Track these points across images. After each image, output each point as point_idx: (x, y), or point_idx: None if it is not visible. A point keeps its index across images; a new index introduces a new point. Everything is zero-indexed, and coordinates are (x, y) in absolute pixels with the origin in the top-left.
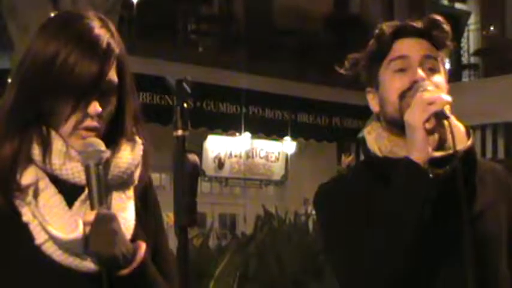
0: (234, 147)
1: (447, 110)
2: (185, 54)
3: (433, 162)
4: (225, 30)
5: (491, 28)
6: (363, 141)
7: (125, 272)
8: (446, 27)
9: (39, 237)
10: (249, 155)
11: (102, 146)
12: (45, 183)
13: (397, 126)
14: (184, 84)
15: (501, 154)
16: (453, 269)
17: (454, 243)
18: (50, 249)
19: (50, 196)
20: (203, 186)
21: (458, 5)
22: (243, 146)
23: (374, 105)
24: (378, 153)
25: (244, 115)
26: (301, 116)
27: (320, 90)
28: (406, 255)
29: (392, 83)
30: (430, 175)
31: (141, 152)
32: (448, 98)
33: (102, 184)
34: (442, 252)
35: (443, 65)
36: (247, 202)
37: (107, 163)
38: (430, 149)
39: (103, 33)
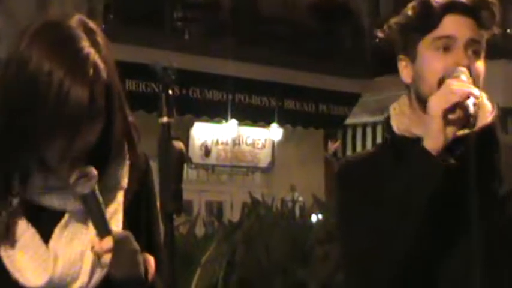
0: (221, 135)
1: (471, 105)
2: (171, 42)
3: (454, 141)
4: (212, 18)
5: None
6: (388, 117)
7: None
8: (496, 9)
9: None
10: (236, 142)
11: (92, 171)
12: (18, 217)
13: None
14: (170, 71)
15: None
16: (466, 254)
17: (468, 226)
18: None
19: (22, 231)
20: (190, 173)
21: None
22: (229, 133)
23: (406, 75)
24: (397, 131)
25: (230, 102)
26: (288, 103)
27: (307, 77)
28: (406, 244)
29: (433, 62)
30: (441, 164)
31: (127, 167)
32: (476, 92)
33: (103, 209)
34: (456, 236)
35: (486, 45)
36: (234, 189)
37: (98, 184)
38: (447, 138)
39: (92, 54)
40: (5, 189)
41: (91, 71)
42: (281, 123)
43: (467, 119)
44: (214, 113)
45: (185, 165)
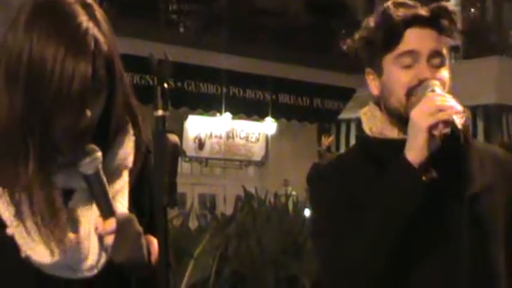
0: (215, 128)
1: (457, 120)
2: (166, 35)
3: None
4: (207, 11)
5: (472, 10)
6: (359, 121)
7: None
8: (455, 16)
9: (25, 251)
10: (230, 136)
11: (95, 151)
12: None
13: (397, 118)
14: (165, 64)
15: (480, 137)
16: (444, 255)
17: (446, 228)
18: (37, 264)
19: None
20: (183, 166)
21: None
22: (223, 126)
23: (374, 88)
24: (369, 134)
25: (225, 95)
26: (283, 97)
27: (301, 71)
28: (387, 255)
29: (399, 78)
30: (423, 178)
31: (132, 143)
32: (459, 108)
33: (107, 189)
34: (434, 237)
35: (449, 52)
36: (227, 183)
37: (102, 163)
38: (429, 152)
39: (91, 28)
40: (26, 168)
41: (92, 44)
42: (275, 117)
43: (457, 134)
44: (209, 106)
45: (179, 158)
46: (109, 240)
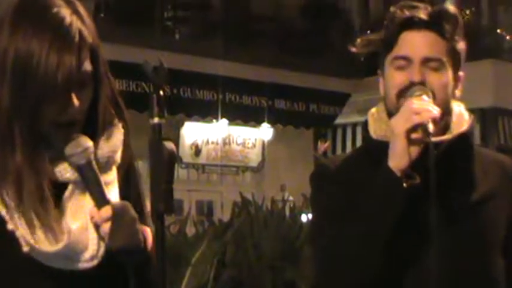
0: (211, 134)
1: (431, 124)
2: (162, 42)
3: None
4: (202, 18)
5: (467, 13)
6: (365, 123)
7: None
8: (457, 20)
9: (27, 245)
10: (226, 142)
11: (87, 141)
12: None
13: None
14: (161, 71)
15: (477, 140)
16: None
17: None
18: (40, 256)
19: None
20: (180, 173)
21: None
22: (220, 132)
23: (381, 88)
24: (373, 136)
25: (221, 102)
26: (279, 102)
27: (297, 76)
28: (374, 258)
29: (393, 78)
30: (404, 184)
31: (121, 136)
32: (435, 112)
33: (100, 179)
34: (423, 242)
35: (454, 55)
36: (224, 189)
37: (94, 155)
38: (410, 158)
39: (74, 20)
40: (13, 158)
41: (76, 37)
42: (271, 123)
43: (427, 137)
44: (205, 112)
45: (176, 165)
46: (106, 227)
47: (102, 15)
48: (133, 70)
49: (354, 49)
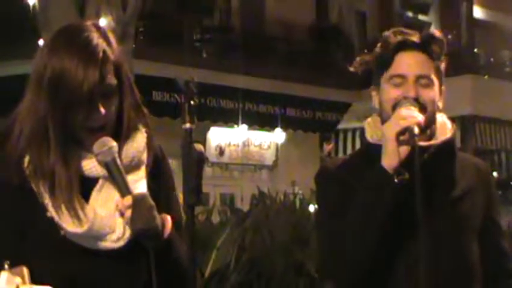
0: (233, 137)
1: (416, 128)
2: (191, 59)
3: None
4: (224, 39)
5: (449, 36)
6: (362, 129)
7: (162, 241)
8: (442, 42)
9: (62, 229)
10: (246, 144)
11: (111, 142)
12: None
13: None
14: (191, 85)
15: (457, 142)
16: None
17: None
18: (73, 237)
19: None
20: (207, 170)
21: (421, 17)
22: (240, 136)
23: (376, 102)
24: (370, 140)
25: (241, 110)
26: (290, 111)
27: (305, 88)
28: (368, 253)
29: (389, 94)
30: (395, 180)
31: (144, 139)
32: (419, 118)
33: (123, 173)
34: (412, 228)
35: (439, 73)
36: (244, 184)
37: (119, 154)
38: (400, 157)
39: (100, 42)
40: (48, 156)
41: (101, 54)
42: (284, 128)
43: (413, 139)
44: (228, 119)
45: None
46: (128, 213)
47: (141, 37)
48: (168, 83)
49: (351, 68)
